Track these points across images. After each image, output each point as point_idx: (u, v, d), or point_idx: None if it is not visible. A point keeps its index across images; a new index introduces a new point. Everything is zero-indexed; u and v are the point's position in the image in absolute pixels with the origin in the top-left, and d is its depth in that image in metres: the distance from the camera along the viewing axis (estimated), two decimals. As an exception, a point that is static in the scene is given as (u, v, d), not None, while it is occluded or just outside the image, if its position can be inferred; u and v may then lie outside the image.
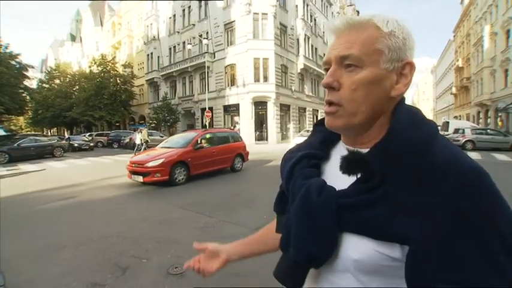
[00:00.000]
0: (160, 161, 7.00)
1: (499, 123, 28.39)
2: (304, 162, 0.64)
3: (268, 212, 4.73)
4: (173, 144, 8.34)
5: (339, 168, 0.55)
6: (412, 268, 0.46)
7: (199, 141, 8.05)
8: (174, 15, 29.44)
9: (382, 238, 0.48)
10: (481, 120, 33.72)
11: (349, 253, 0.52)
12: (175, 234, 3.91)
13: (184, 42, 27.82)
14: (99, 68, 32.01)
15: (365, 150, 0.55)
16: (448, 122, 20.30)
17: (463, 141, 15.40)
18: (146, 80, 33.06)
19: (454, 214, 0.44)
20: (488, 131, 16.83)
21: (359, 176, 0.53)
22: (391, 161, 0.49)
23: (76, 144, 20.60)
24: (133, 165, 7.25)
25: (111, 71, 32.42)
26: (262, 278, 2.67)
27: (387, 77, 0.53)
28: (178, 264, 2.97)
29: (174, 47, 29.78)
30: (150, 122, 28.87)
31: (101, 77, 31.58)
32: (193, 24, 27.08)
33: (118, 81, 32.76)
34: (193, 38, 26.59)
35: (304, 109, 28.52)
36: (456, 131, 16.76)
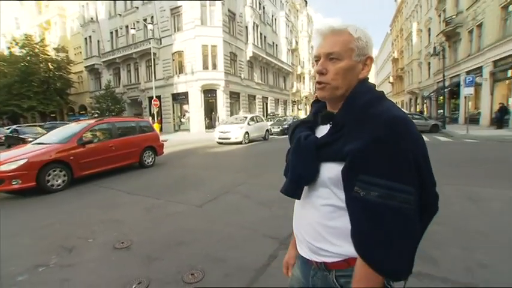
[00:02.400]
0: (20, 162, 5.26)
1: (425, 109, 32.66)
2: (302, 125, 0.96)
3: (211, 191, 5.09)
4: (49, 139, 6.62)
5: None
6: (345, 169, 0.74)
7: (87, 135, 6.61)
8: (115, -4, 27.24)
9: (340, 160, 0.76)
10: (413, 107, 38.37)
11: (326, 174, 0.80)
12: (122, 216, 4.01)
13: (127, 27, 26.13)
14: (24, 51, 27.99)
15: None
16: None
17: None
18: (85, 67, 30.31)
19: (376, 140, 0.70)
20: (414, 115, 19.37)
21: (330, 125, 0.84)
22: (346, 115, 0.80)
23: (30, 140, 15.32)
24: None
25: (41, 55, 28.65)
26: (203, 245, 3.00)
27: (356, 66, 0.82)
28: (124, 239, 3.14)
29: (116, 31, 27.73)
30: (93, 112, 26.67)
31: (26, 61, 27.48)
32: (137, 7, 25.49)
33: (50, 66, 29.29)
34: (137, 22, 25.05)
35: (254, 97, 29.03)
36: (389, 116, 18.97)
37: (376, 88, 0.85)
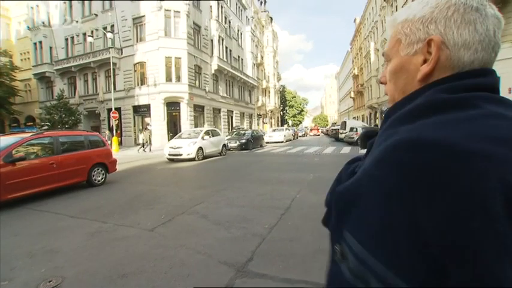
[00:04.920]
0: None
1: (383, 123, 34.88)
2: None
3: (168, 211, 4.69)
4: None
5: None
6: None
7: (18, 150, 5.66)
8: (71, 1, 25.66)
9: None
10: (372, 120, 40.68)
11: None
12: (58, 244, 3.46)
13: (84, 34, 24.64)
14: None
15: None
16: (345, 122, 23.68)
17: (356, 138, 18.25)
18: (34, 74, 27.68)
19: (360, 177, 0.48)
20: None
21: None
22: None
23: None
24: None
25: (-26, 57, 24.93)
26: (151, 276, 2.64)
27: (409, 62, 0.52)
28: (54, 276, 2.65)
29: (72, 38, 26.02)
30: (42, 124, 24.21)
31: (-46, 63, 23.44)
32: (96, 15, 24.28)
33: (-11, 71, 25.77)
34: (96, 30, 23.82)
35: (219, 110, 28.75)
36: (351, 129, 19.85)
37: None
